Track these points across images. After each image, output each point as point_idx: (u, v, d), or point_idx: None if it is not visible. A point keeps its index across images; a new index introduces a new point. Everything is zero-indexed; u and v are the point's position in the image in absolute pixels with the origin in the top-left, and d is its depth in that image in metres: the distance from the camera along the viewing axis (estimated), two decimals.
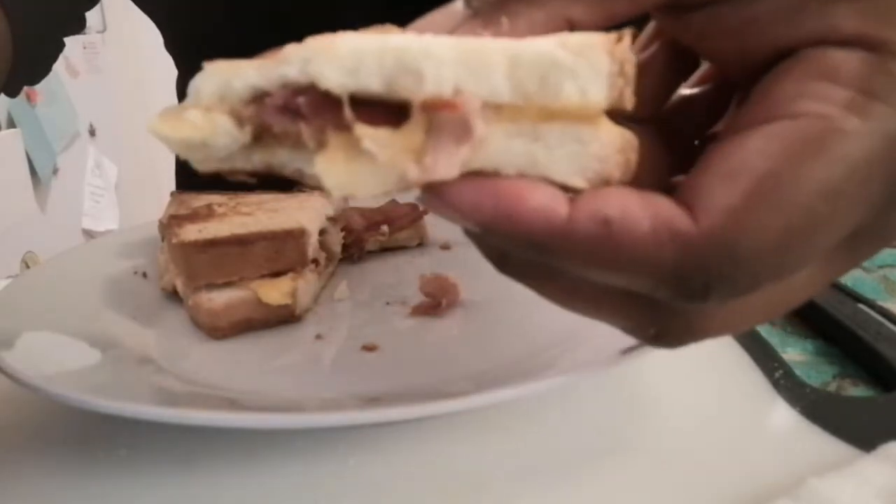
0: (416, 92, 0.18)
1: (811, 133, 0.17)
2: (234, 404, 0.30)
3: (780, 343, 0.37)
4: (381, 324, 0.37)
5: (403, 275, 0.44)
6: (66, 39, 0.62)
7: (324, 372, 0.34)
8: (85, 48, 2.17)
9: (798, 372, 0.32)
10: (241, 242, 0.37)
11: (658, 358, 0.33)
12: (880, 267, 0.45)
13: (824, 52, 0.18)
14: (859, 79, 0.17)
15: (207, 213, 0.41)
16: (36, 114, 1.87)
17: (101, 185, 2.20)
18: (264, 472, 0.28)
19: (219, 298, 0.36)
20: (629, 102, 0.18)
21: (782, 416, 0.29)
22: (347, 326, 0.39)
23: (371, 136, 0.18)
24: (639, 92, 0.18)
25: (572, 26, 0.19)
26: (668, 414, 0.31)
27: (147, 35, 2.22)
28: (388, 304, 0.40)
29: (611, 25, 0.19)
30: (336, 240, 0.44)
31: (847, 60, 0.17)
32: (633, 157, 0.19)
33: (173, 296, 0.40)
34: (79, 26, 0.63)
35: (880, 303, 0.38)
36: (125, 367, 0.33)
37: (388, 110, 0.18)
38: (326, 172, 0.18)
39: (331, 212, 0.44)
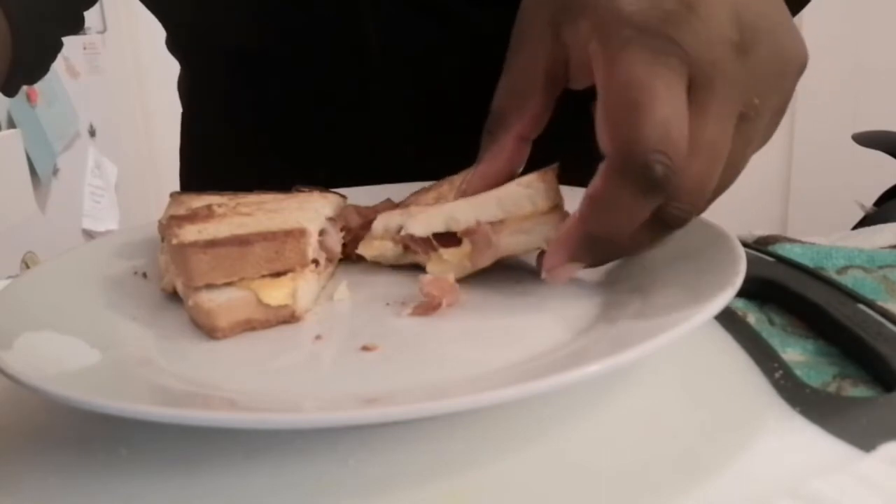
0: (458, 227, 0.39)
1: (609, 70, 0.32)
2: (234, 404, 0.30)
3: (779, 343, 0.37)
4: (381, 324, 0.37)
5: (403, 275, 0.44)
6: (66, 39, 0.62)
7: (324, 372, 0.34)
8: (85, 48, 2.17)
9: (798, 372, 0.32)
10: (241, 243, 0.37)
11: (657, 359, 0.33)
12: (880, 267, 0.45)
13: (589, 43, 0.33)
14: (597, 40, 0.32)
15: (207, 214, 0.41)
16: (36, 114, 1.87)
17: (101, 185, 2.20)
18: (264, 472, 0.28)
19: (219, 298, 0.36)
20: (559, 198, 0.39)
21: (782, 416, 0.29)
22: (347, 326, 0.39)
23: (447, 253, 0.40)
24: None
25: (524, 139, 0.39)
26: (667, 414, 0.31)
27: (147, 35, 2.23)
28: (388, 304, 0.40)
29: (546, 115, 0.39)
30: (336, 240, 0.44)
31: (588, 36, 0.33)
32: (567, 214, 0.38)
33: (173, 296, 0.40)
34: (78, 26, 0.63)
35: (880, 303, 0.38)
36: (125, 368, 0.33)
37: (451, 238, 0.39)
38: (433, 270, 0.40)
39: (330, 212, 0.44)
